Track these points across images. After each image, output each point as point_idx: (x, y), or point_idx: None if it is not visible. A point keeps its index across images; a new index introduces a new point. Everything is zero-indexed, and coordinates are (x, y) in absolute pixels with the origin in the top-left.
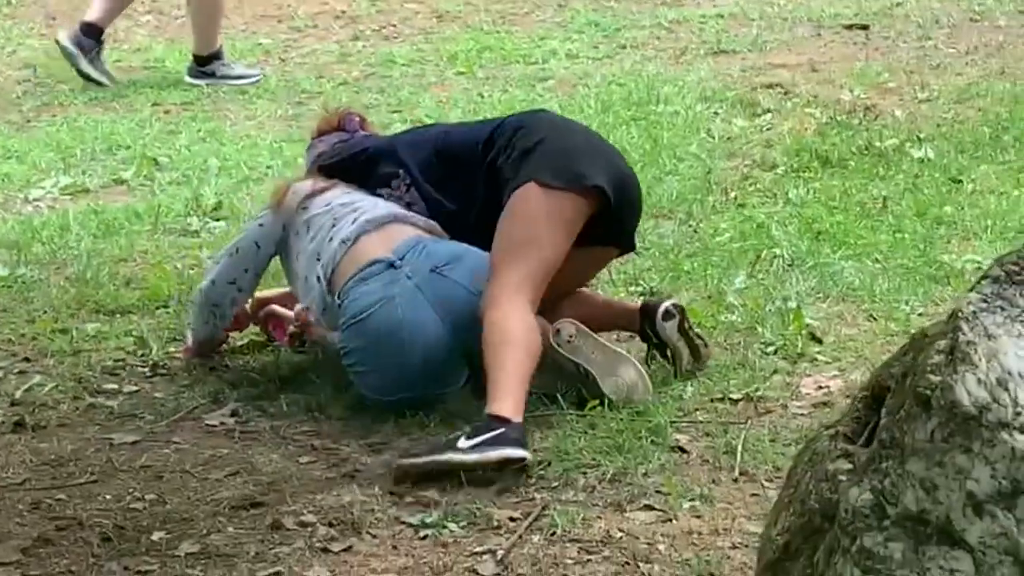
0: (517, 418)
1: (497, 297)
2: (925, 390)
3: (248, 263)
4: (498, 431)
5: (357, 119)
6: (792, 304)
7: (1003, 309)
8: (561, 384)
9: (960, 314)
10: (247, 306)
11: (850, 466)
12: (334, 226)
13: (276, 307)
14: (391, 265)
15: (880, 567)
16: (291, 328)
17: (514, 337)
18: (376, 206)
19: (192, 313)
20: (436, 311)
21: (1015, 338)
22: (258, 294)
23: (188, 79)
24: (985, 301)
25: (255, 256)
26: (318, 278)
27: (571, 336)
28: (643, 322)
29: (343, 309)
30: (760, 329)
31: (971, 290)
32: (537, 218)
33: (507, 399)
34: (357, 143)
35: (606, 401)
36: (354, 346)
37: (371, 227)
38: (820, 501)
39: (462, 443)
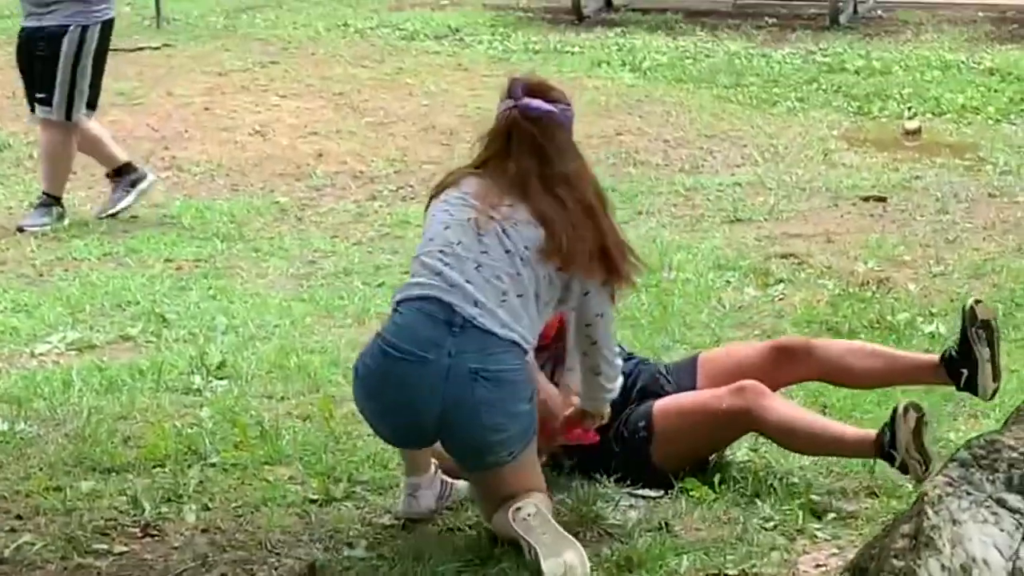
0: None
1: None
2: (889, 575)
3: None
4: None
5: None
6: (794, 479)
7: (969, 494)
8: None
9: (926, 498)
10: None
11: None
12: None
13: None
14: (449, 324)
15: None
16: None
17: None
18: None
19: None
20: (441, 406)
21: (980, 523)
22: None
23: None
24: (951, 485)
25: None
26: None
27: (528, 515)
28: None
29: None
30: (760, 503)
31: (938, 473)
32: None
33: None
34: None
35: None
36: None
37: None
38: None
39: None
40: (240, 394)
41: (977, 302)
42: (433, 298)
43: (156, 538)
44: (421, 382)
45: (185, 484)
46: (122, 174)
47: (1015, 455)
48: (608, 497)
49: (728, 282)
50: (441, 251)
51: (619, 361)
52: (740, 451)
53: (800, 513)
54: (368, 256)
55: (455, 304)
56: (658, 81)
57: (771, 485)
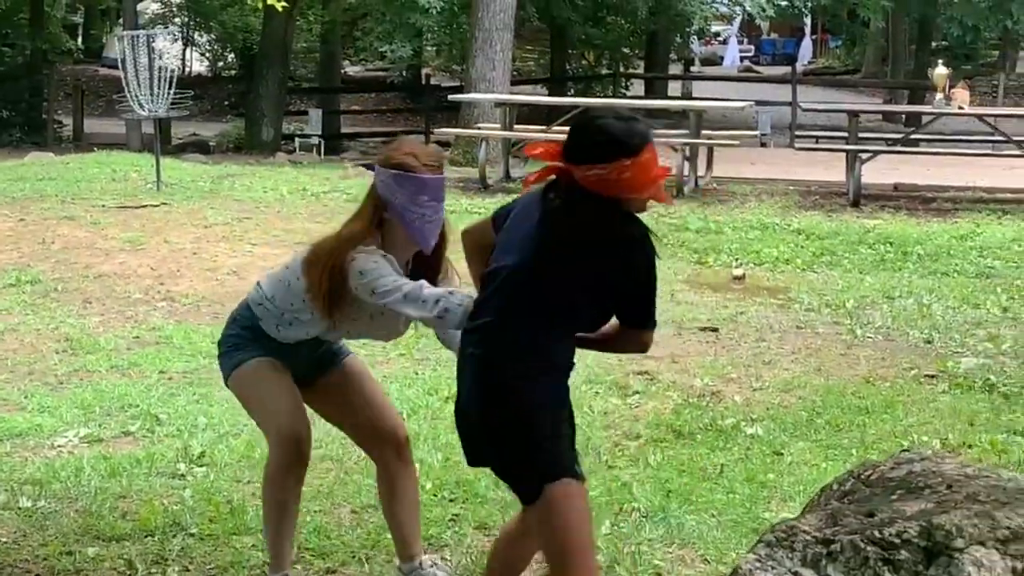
0: None
1: None
2: None
3: None
4: None
5: None
6: (644, 548)
7: (773, 568)
8: None
9: (740, 570)
10: None
11: None
12: None
13: None
14: None
15: None
16: None
17: None
18: None
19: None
20: None
21: None
22: None
23: None
24: (759, 561)
25: None
26: None
27: None
28: None
29: None
30: (617, 568)
31: (749, 551)
32: None
33: None
34: None
35: None
36: None
37: None
38: None
39: None
40: (216, 478)
41: None
42: None
43: None
44: None
45: (170, 550)
46: None
47: (808, 538)
48: None
49: (597, 393)
50: None
51: (424, 291)
52: (603, 526)
53: None
54: None
55: None
56: None
57: (626, 552)
